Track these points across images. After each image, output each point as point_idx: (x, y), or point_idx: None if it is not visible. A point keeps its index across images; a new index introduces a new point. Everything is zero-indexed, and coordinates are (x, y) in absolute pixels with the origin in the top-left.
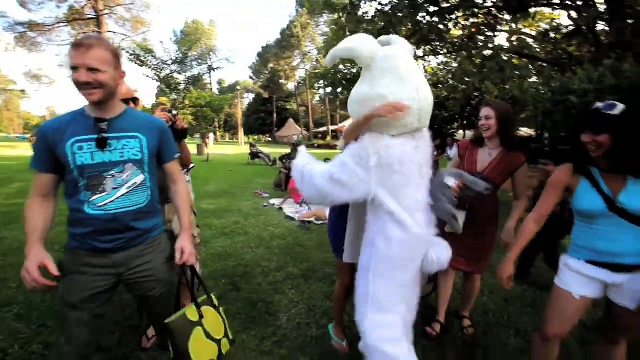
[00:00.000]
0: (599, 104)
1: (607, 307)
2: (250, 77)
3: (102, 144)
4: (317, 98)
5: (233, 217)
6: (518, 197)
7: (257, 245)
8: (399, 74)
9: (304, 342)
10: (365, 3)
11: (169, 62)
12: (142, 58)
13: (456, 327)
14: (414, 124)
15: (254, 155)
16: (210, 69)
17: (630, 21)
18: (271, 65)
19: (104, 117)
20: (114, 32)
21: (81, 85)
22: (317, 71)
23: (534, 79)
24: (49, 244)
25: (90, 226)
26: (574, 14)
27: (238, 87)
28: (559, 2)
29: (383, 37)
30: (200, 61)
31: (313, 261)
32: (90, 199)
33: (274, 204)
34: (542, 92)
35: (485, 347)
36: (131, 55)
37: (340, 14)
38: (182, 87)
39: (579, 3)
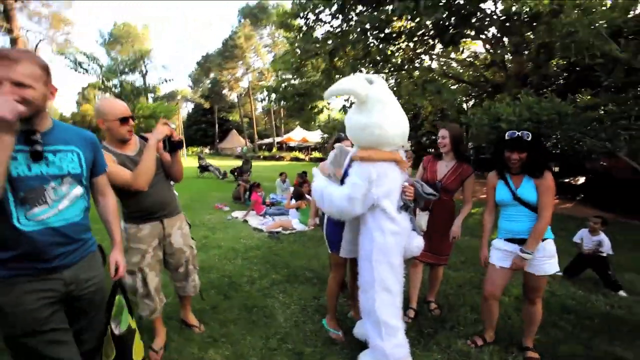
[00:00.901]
0: (519, 133)
1: (524, 276)
2: (190, 87)
3: (37, 157)
4: (259, 109)
5: (200, 231)
6: (466, 200)
7: (234, 257)
8: (386, 105)
9: (305, 336)
10: (318, 25)
11: (126, 71)
12: (85, 66)
13: (425, 309)
14: (400, 143)
15: (203, 168)
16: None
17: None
18: (213, 75)
19: (34, 130)
20: (27, 30)
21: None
22: (267, 84)
23: (471, 102)
24: None
25: (26, 244)
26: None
27: (178, 97)
28: (481, 36)
29: (367, 76)
30: (132, 67)
31: (292, 267)
32: (29, 213)
33: (237, 217)
34: (481, 118)
35: (450, 321)
36: (72, 62)
37: (295, 33)
38: (131, 96)
39: (492, 40)
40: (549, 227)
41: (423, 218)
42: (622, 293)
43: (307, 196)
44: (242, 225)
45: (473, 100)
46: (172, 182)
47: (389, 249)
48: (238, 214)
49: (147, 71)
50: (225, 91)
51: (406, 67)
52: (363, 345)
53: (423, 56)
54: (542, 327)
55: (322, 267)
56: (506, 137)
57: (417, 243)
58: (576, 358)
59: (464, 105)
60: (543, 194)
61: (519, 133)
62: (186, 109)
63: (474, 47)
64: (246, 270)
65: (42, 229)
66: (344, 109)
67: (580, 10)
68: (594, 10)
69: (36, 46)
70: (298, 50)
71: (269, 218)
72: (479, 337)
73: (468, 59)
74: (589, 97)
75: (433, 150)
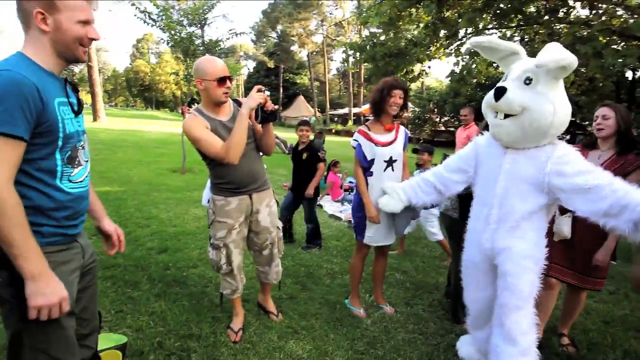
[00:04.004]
0: None
1: None
2: (252, 41)
3: (80, 110)
4: (333, 71)
5: None
6: None
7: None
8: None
9: (397, 345)
10: None
11: (185, 23)
12: (154, 16)
13: (554, 344)
14: None
15: None
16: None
17: None
18: (280, 27)
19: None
20: None
21: (87, 43)
22: (347, 41)
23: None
24: None
25: (67, 209)
26: None
27: (241, 54)
28: None
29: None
30: (191, 17)
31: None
32: (70, 175)
33: None
34: None
35: None
36: (142, 12)
37: None
38: (199, 53)
39: None
40: None
41: (565, 221)
42: None
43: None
44: (317, 211)
45: None
46: (260, 154)
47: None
48: None
49: (207, 22)
50: (293, 48)
51: (545, 19)
52: None
53: (573, 2)
54: None
55: (415, 269)
56: None
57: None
58: None
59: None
60: None
61: None
62: (246, 67)
63: None
64: (325, 262)
65: (81, 192)
66: (453, 76)
67: None
68: None
69: None
70: None
71: (347, 205)
72: None
73: None
74: None
75: (568, 135)
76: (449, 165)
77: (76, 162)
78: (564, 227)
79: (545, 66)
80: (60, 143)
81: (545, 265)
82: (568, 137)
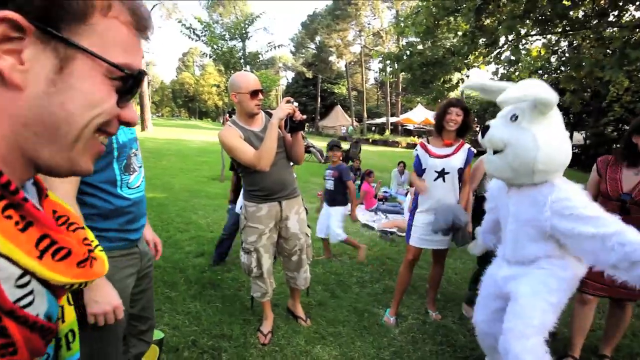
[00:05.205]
0: None
1: None
2: (291, 52)
3: (140, 109)
4: (371, 81)
5: None
6: None
7: (340, 254)
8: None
9: (425, 356)
10: None
11: (227, 37)
12: (198, 32)
13: None
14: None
15: (305, 149)
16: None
17: None
18: (319, 38)
19: None
20: None
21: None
22: (386, 51)
23: None
24: None
25: (128, 214)
26: None
27: (280, 65)
28: None
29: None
30: (232, 31)
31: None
32: (128, 182)
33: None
34: None
35: None
36: (187, 28)
37: None
38: (239, 66)
39: None
40: None
41: None
42: None
43: None
44: (349, 219)
45: None
46: (291, 163)
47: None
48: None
49: (249, 36)
50: (332, 58)
51: (593, 23)
52: None
53: (626, 5)
54: None
55: (447, 281)
56: None
57: None
58: None
59: None
60: None
61: None
62: (285, 78)
63: None
64: (355, 271)
65: (139, 197)
66: None
67: None
68: None
69: (151, 10)
70: (433, 8)
71: (380, 215)
72: None
73: None
74: None
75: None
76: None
77: (131, 169)
78: None
79: (505, 103)
80: (116, 153)
81: (580, 281)
82: None
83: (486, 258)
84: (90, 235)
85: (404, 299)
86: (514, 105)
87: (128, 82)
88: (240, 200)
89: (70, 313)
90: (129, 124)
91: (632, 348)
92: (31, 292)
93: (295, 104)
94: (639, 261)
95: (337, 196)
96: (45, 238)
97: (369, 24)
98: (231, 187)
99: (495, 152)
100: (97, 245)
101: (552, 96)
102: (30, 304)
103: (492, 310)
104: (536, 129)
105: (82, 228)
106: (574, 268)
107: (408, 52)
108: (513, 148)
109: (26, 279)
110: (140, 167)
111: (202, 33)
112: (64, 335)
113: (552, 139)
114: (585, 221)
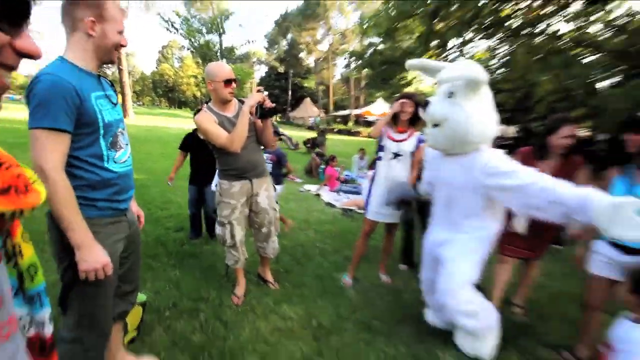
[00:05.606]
0: None
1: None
2: (265, 48)
3: (116, 100)
4: (337, 76)
5: None
6: None
7: (306, 228)
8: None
9: (375, 312)
10: None
11: (204, 31)
12: (176, 25)
13: (507, 312)
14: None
15: (275, 134)
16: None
17: None
18: (290, 36)
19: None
20: None
21: (119, 48)
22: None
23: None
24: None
25: (115, 185)
26: None
27: (254, 59)
28: None
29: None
30: (210, 26)
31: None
32: (115, 156)
33: (309, 190)
34: (617, 101)
35: (537, 329)
36: (165, 21)
37: None
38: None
39: None
40: None
41: (521, 220)
42: None
43: None
44: (315, 199)
45: (619, 78)
46: (261, 147)
47: None
48: (311, 187)
49: (224, 31)
50: (302, 55)
51: (525, 32)
52: (428, 326)
53: (550, 19)
54: None
55: (398, 252)
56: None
57: None
58: None
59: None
60: None
61: None
62: (259, 71)
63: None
64: (318, 243)
65: (125, 170)
66: None
67: None
68: None
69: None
70: (392, 11)
71: (343, 195)
72: (569, 354)
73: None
74: None
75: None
76: None
77: (118, 146)
78: (520, 225)
79: (443, 81)
80: (102, 131)
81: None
82: None
83: (410, 224)
84: (29, 172)
85: (360, 266)
86: (451, 83)
87: (6, 2)
88: (216, 179)
89: (28, 249)
90: (30, 56)
91: (538, 299)
92: None
93: (265, 93)
94: (554, 200)
95: (274, 177)
96: None
97: (336, 24)
98: (175, 165)
99: (434, 125)
100: (34, 181)
101: (482, 75)
102: None
103: (431, 270)
104: (470, 105)
105: (18, 166)
106: (490, 228)
107: (370, 51)
108: (449, 122)
109: None
110: (126, 144)
111: (180, 26)
112: (26, 269)
113: (483, 115)
114: (509, 175)
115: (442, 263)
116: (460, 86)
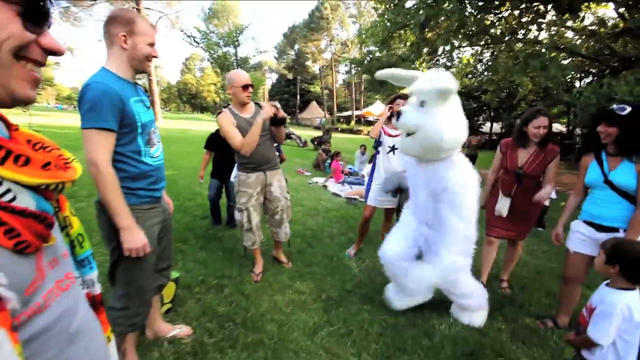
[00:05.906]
0: (614, 106)
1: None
2: (275, 58)
3: (149, 104)
4: (340, 81)
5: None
6: (548, 180)
7: (315, 215)
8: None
9: (376, 287)
10: None
11: (221, 44)
12: (197, 40)
13: (495, 287)
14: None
15: (287, 136)
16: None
17: None
18: (297, 46)
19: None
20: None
21: (151, 59)
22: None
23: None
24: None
25: (151, 177)
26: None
27: (266, 68)
28: None
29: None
30: (226, 39)
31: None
32: (150, 152)
33: (317, 182)
34: (588, 97)
35: (521, 300)
36: (188, 37)
37: (387, 5)
38: (233, 68)
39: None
40: None
41: (504, 204)
42: None
43: None
44: (322, 190)
45: (590, 78)
46: (274, 143)
47: None
48: (318, 180)
49: (239, 43)
50: (308, 63)
51: (506, 39)
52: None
53: (529, 26)
54: None
55: None
56: (614, 109)
57: None
58: None
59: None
60: None
61: (615, 106)
62: (270, 79)
63: (602, 11)
64: (327, 227)
65: (159, 164)
66: None
67: None
68: None
69: (157, 22)
70: (387, 22)
71: (347, 186)
72: (550, 320)
73: (590, 27)
74: None
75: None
76: None
77: (152, 143)
78: (503, 208)
79: (413, 93)
80: (139, 130)
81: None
82: None
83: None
84: (67, 154)
85: (363, 248)
86: (422, 92)
87: (29, 5)
88: (235, 171)
89: (76, 221)
90: (54, 52)
91: (522, 274)
92: (9, 190)
93: (278, 105)
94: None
95: None
96: (0, 149)
97: (337, 35)
98: (202, 164)
99: (408, 134)
100: (72, 160)
101: (452, 85)
102: (14, 199)
103: (405, 250)
104: (442, 114)
105: (57, 149)
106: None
107: (368, 59)
108: (423, 131)
109: None
110: (159, 142)
111: (200, 40)
112: (75, 237)
113: (454, 122)
114: (454, 210)
115: (434, 253)
116: (431, 96)
